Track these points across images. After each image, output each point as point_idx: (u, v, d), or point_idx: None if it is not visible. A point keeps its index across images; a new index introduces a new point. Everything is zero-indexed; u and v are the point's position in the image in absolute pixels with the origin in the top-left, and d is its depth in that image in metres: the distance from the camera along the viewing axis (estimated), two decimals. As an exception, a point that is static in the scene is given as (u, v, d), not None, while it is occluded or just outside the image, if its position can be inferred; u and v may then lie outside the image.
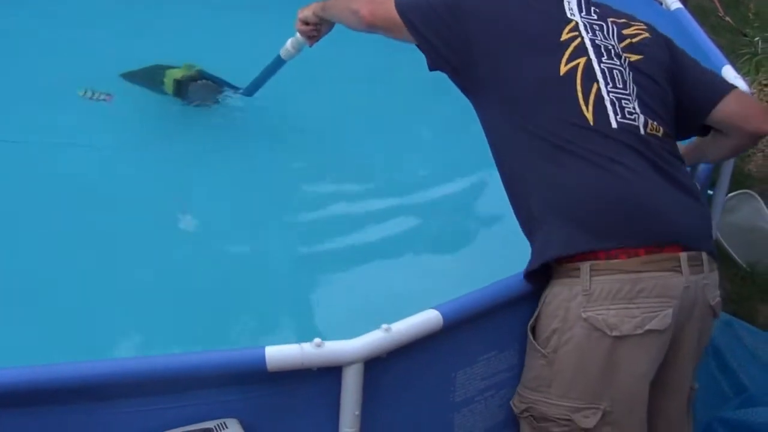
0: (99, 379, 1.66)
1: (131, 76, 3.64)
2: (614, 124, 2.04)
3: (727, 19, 5.43)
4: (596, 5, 2.26)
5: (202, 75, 3.59)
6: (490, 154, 2.18)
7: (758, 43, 4.71)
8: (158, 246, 2.71)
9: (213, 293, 2.55)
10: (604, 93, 2.07)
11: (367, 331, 1.80)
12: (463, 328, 1.95)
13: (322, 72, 3.66)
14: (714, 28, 5.11)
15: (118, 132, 3.34)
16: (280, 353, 1.72)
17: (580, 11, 2.21)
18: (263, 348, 1.72)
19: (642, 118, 2.07)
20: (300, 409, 1.83)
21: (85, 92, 3.46)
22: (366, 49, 3.16)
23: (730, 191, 3.62)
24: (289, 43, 3.09)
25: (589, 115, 2.04)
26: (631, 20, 2.27)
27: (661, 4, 3.31)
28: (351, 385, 1.77)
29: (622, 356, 1.95)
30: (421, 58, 2.24)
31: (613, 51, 2.15)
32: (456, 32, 2.16)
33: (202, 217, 2.98)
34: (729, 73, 2.66)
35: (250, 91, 3.51)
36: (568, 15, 2.19)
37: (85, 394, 1.67)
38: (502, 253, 2.60)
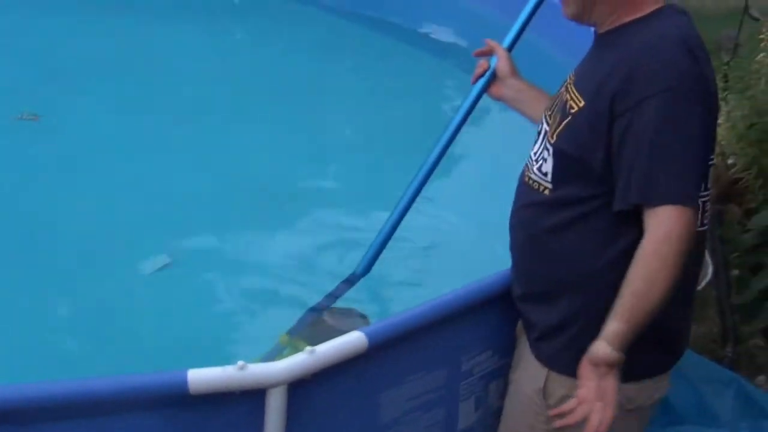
0: (16, 403, 1.63)
1: None
2: None
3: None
4: None
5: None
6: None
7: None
8: (85, 270, 2.67)
9: (134, 316, 2.52)
10: None
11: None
12: (389, 349, 1.95)
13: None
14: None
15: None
16: (202, 376, 1.71)
17: None
18: (186, 371, 1.71)
19: None
20: (223, 434, 1.81)
21: (22, 115, 3.50)
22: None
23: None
24: None
25: None
26: None
27: None
28: (275, 409, 1.77)
29: (628, 425, 1.97)
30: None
31: None
32: None
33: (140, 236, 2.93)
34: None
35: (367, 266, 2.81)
36: None
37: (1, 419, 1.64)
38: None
